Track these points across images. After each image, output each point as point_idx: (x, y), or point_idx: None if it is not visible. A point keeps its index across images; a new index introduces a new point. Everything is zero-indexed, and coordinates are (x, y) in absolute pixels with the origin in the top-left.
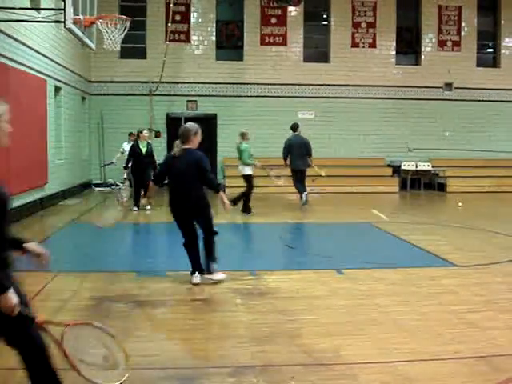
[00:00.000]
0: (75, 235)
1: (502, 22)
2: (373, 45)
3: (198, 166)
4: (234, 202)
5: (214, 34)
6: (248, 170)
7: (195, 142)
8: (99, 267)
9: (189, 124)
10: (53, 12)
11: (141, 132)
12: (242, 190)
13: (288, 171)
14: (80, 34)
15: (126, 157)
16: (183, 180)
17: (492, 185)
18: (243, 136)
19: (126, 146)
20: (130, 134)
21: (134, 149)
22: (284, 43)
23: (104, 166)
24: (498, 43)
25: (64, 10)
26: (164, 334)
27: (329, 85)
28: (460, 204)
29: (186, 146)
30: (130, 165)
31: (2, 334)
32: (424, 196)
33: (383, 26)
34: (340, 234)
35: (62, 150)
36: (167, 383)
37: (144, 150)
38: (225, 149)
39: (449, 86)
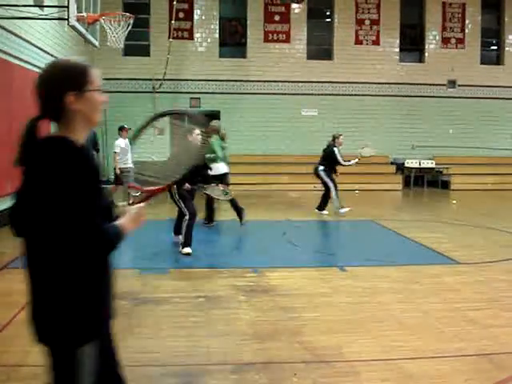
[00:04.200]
0: None
1: (506, 19)
2: (376, 42)
3: None
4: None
5: (218, 31)
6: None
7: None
8: None
9: None
10: (56, 9)
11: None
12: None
13: None
14: (83, 31)
15: None
16: None
17: (496, 182)
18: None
19: (122, 143)
20: (122, 129)
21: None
22: (287, 40)
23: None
24: (502, 40)
25: (67, 7)
26: (166, 331)
27: (332, 82)
28: (454, 202)
29: None
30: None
31: None
32: (427, 193)
33: (387, 23)
34: (342, 232)
35: None
36: (169, 380)
37: None
38: (229, 146)
39: (452, 83)
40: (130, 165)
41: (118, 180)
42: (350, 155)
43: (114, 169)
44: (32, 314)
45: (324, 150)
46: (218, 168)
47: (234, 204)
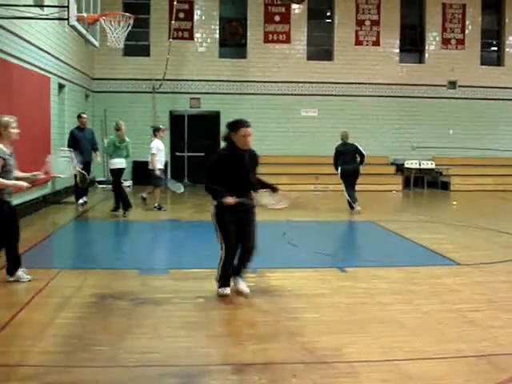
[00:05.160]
0: (78, 232)
1: (506, 20)
2: (377, 43)
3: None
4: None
5: (218, 31)
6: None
7: None
8: (102, 264)
9: None
10: (56, 9)
11: None
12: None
13: None
14: (83, 31)
15: None
16: None
17: (495, 183)
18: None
19: (159, 144)
20: (158, 129)
21: None
22: (287, 41)
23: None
24: (502, 41)
25: (68, 7)
26: (166, 332)
27: (332, 83)
28: (455, 203)
29: None
30: None
31: None
32: (427, 194)
33: (387, 23)
34: (342, 233)
35: (66, 148)
36: (169, 380)
37: None
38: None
39: (453, 84)
40: (162, 166)
41: (155, 179)
42: None
43: (153, 170)
44: None
45: (348, 150)
46: (116, 164)
47: (124, 197)
